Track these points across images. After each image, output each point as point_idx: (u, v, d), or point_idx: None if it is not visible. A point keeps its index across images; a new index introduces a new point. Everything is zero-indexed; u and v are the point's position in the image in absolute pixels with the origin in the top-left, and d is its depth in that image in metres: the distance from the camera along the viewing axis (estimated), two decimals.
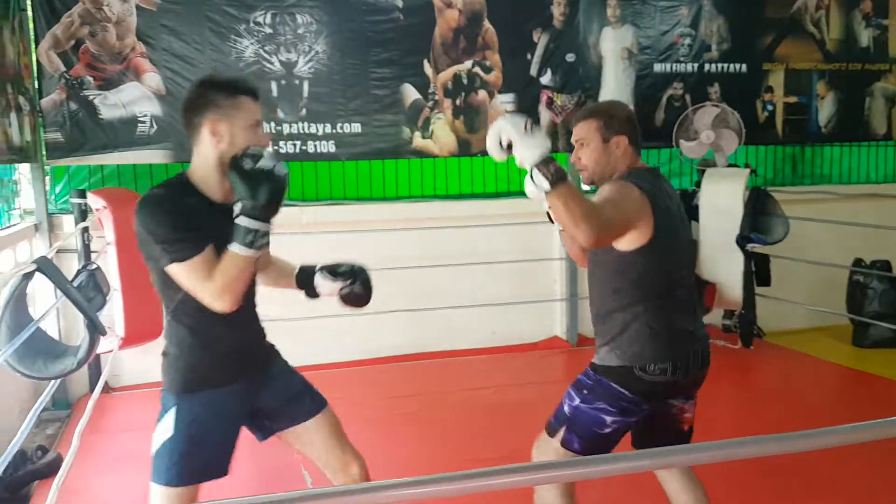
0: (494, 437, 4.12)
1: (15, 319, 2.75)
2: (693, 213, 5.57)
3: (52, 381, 3.24)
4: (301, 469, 3.71)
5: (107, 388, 5.03)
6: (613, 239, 2.13)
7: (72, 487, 3.57)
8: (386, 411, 4.58)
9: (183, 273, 1.94)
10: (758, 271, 5.56)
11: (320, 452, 2.30)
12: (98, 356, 4.83)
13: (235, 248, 1.92)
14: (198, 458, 2.07)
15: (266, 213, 1.92)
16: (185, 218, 1.95)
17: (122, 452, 4.05)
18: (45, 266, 2.66)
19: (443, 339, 5.69)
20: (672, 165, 6.11)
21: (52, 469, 3.62)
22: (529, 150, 1.92)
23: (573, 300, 5.87)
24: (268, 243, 2.04)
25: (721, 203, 5.40)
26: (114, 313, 4.52)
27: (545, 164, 1.92)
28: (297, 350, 5.41)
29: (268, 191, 1.90)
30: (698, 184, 5.61)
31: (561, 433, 2.28)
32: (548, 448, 2.32)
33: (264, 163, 1.91)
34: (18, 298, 2.79)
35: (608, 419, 2.21)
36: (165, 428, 2.07)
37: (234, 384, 2.15)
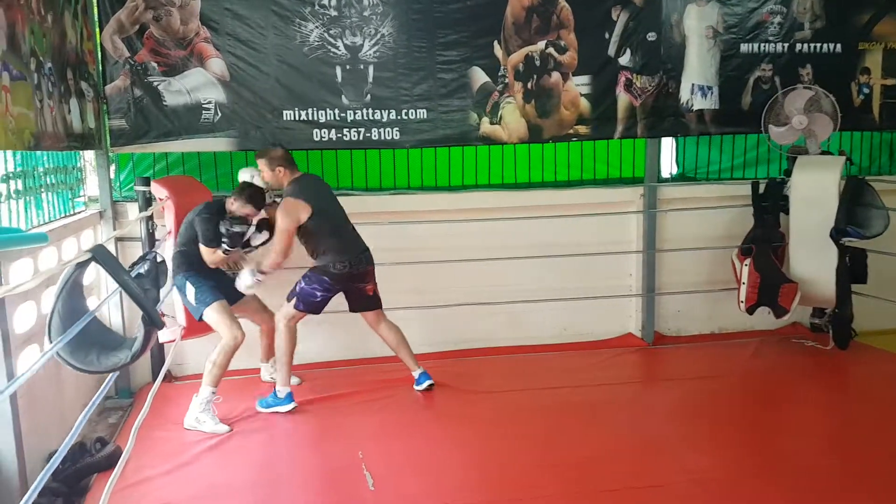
0: (572, 439, 3.96)
1: (68, 310, 2.63)
2: (783, 203, 5.26)
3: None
4: (362, 468, 3.61)
5: (169, 377, 4.99)
6: (291, 245, 4.24)
7: (130, 481, 3.52)
8: (454, 408, 4.40)
9: None
10: (853, 267, 5.19)
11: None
12: (161, 346, 4.79)
13: None
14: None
15: None
16: None
17: (181, 444, 3.98)
18: (100, 255, 2.51)
19: (510, 335, 5.47)
20: (760, 150, 5.72)
21: (110, 462, 3.54)
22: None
23: (650, 296, 5.56)
24: None
25: (814, 193, 5.07)
26: (175, 303, 4.49)
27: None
28: (352, 343, 5.25)
29: None
30: (788, 172, 5.26)
31: (293, 301, 4.37)
32: (287, 309, 4.39)
33: None
34: (72, 288, 2.66)
35: (318, 294, 4.34)
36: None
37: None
